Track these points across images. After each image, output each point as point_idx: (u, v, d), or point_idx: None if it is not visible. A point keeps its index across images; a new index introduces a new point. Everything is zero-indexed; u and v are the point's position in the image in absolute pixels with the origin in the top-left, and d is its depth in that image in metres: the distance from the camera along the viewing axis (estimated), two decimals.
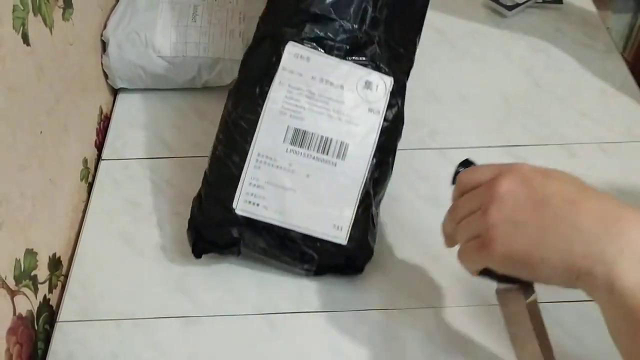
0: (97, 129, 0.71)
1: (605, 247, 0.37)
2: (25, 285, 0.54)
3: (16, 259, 0.52)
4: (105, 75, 0.74)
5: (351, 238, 0.55)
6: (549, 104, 0.74)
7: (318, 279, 0.59)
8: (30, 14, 0.55)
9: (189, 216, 0.63)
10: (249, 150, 0.54)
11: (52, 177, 0.59)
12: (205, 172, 0.58)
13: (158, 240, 0.62)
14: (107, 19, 0.74)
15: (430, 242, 0.61)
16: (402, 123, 0.57)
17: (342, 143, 0.55)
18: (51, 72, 0.59)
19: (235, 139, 0.55)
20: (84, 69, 0.68)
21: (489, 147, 0.69)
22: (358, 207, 0.55)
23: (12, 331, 0.50)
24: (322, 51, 0.55)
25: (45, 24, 0.58)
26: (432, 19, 0.82)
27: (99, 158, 0.70)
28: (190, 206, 0.59)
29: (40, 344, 0.56)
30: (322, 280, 0.59)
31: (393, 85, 0.56)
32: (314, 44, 0.55)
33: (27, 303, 0.54)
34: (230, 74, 0.72)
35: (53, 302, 0.59)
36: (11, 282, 0.51)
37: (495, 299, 0.46)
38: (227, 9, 0.73)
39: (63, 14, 0.62)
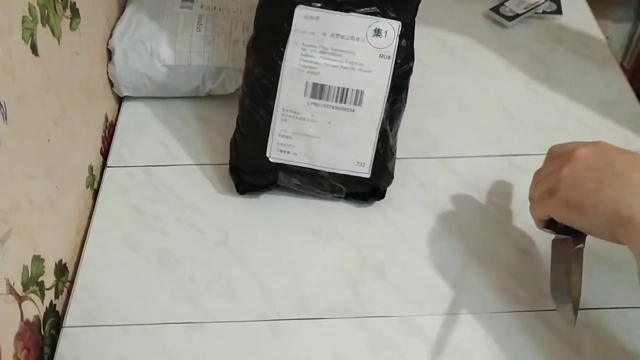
0: (102, 136, 0.72)
1: None
2: (33, 292, 0.55)
3: (24, 265, 0.53)
4: (111, 84, 0.75)
5: (373, 170, 0.62)
6: (548, 113, 0.75)
7: (320, 288, 0.60)
8: (39, 24, 0.56)
9: (192, 223, 0.65)
10: (274, 106, 0.60)
11: (58, 184, 0.60)
12: (237, 120, 0.65)
13: (162, 246, 0.63)
14: (113, 28, 0.75)
15: (431, 249, 0.62)
16: (413, 60, 0.61)
17: (357, 91, 0.60)
18: (59, 81, 0.60)
19: (260, 95, 0.61)
20: (90, 77, 0.69)
21: (489, 156, 0.70)
22: (377, 143, 0.61)
23: (19, 336, 0.51)
24: (330, 9, 0.58)
25: (53, 34, 0.59)
26: (434, 29, 0.85)
27: (104, 165, 0.71)
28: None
29: (47, 349, 0.56)
30: (324, 287, 0.60)
31: (401, 28, 0.59)
32: (321, 5, 0.58)
33: (34, 309, 0.55)
34: (233, 83, 0.73)
35: (59, 308, 0.60)
36: (19, 288, 0.52)
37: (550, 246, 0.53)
38: (231, 18, 0.74)
39: (70, 24, 0.64)
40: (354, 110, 0.60)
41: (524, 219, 0.64)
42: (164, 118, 0.75)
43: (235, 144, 0.65)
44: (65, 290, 0.61)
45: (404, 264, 0.62)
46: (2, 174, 0.49)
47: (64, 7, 0.62)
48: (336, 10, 0.58)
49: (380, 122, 0.61)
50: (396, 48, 0.59)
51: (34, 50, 0.55)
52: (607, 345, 0.56)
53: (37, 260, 0.56)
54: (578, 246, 0.51)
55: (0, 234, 0.49)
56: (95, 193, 0.69)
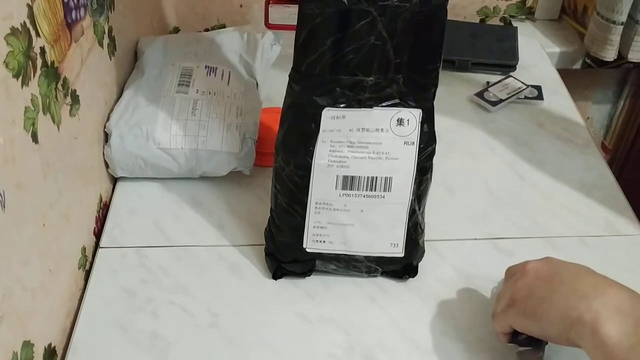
0: (96, 217, 0.73)
1: (592, 301, 0.50)
2: None
3: (13, 352, 0.53)
4: (106, 165, 0.76)
5: (406, 248, 0.65)
6: (532, 196, 0.77)
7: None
8: (40, 113, 0.58)
9: (183, 305, 0.65)
10: (307, 201, 0.63)
11: (51, 267, 0.61)
12: (271, 212, 0.67)
13: (153, 329, 0.63)
14: (111, 111, 0.77)
15: (419, 334, 0.63)
16: (435, 142, 0.63)
17: (386, 178, 0.62)
18: (56, 167, 0.62)
19: (293, 191, 0.63)
20: (86, 160, 0.71)
21: (475, 239, 0.72)
22: (407, 223, 0.64)
23: None
24: (355, 107, 0.61)
25: (53, 122, 0.61)
26: None
27: (96, 246, 0.72)
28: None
29: None
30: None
31: (422, 115, 0.61)
32: (346, 105, 0.61)
33: None
34: (226, 166, 0.75)
35: None
36: None
37: None
38: (225, 103, 0.77)
39: (70, 110, 0.66)
40: (384, 196, 0.62)
41: None
42: (157, 199, 0.76)
43: (271, 236, 0.67)
44: None
45: (392, 348, 0.62)
46: None
47: (65, 95, 0.64)
48: (360, 107, 0.61)
49: (410, 204, 0.63)
50: (419, 134, 0.62)
51: (35, 138, 0.57)
52: None
53: (27, 345, 0.56)
54: (538, 354, 0.56)
55: None
56: (87, 274, 0.69)
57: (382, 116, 0.61)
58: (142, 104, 0.76)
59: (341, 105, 0.61)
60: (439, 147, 0.82)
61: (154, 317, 0.64)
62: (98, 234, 0.73)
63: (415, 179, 0.63)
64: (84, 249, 0.69)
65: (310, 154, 0.62)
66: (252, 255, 0.70)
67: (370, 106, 0.61)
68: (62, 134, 0.63)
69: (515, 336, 0.57)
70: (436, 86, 0.62)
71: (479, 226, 0.74)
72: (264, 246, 0.69)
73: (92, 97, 0.73)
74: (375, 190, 0.62)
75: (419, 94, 0.61)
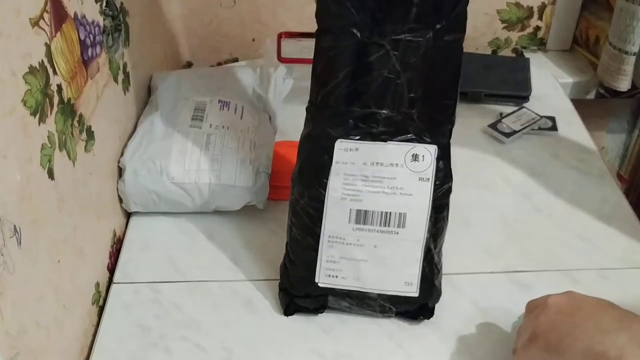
0: (110, 251, 0.73)
1: (617, 336, 0.49)
2: None
3: None
4: (120, 199, 0.77)
5: (421, 288, 0.63)
6: (548, 228, 0.76)
7: None
8: (57, 149, 0.59)
9: (196, 341, 0.64)
10: (320, 233, 0.62)
11: (66, 303, 0.61)
12: (286, 246, 0.66)
13: None
14: (125, 146, 0.78)
15: None
16: (451, 179, 0.62)
17: (400, 214, 0.61)
18: (71, 202, 0.62)
19: (307, 224, 0.63)
20: (101, 195, 0.71)
21: (492, 272, 0.71)
22: (423, 262, 0.63)
23: None
24: (368, 140, 0.61)
25: (69, 158, 0.62)
26: None
27: (110, 281, 0.71)
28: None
29: None
30: None
31: (437, 151, 0.61)
32: (359, 137, 0.61)
33: None
34: (240, 200, 0.75)
35: None
36: None
37: None
38: (239, 137, 0.77)
39: (85, 146, 0.66)
40: (398, 233, 0.61)
41: None
42: (171, 233, 0.76)
43: (285, 271, 0.67)
44: None
45: None
46: (14, 300, 0.50)
47: (80, 131, 0.65)
48: (374, 140, 0.61)
49: (425, 242, 0.62)
50: (434, 170, 0.61)
51: (51, 174, 0.57)
52: None
53: None
54: None
55: (5, 359, 0.49)
56: (101, 310, 0.69)
57: (396, 151, 0.60)
58: (156, 139, 0.77)
59: (355, 138, 0.61)
60: (454, 179, 0.83)
61: (167, 353, 0.64)
62: (112, 269, 0.73)
63: (431, 216, 0.62)
64: (97, 284, 0.69)
65: (323, 185, 0.61)
66: (266, 290, 0.69)
67: (385, 140, 0.60)
68: (77, 170, 0.64)
69: None
70: (452, 123, 0.61)
71: (496, 259, 0.73)
72: (278, 281, 0.68)
73: (107, 132, 0.73)
74: (389, 226, 0.61)
75: (435, 130, 0.61)
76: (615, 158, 1.26)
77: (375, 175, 0.61)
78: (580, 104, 0.98)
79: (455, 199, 0.79)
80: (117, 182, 0.76)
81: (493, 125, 0.89)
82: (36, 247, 0.55)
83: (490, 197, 0.81)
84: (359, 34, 0.58)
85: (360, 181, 0.61)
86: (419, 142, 0.60)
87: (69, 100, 0.61)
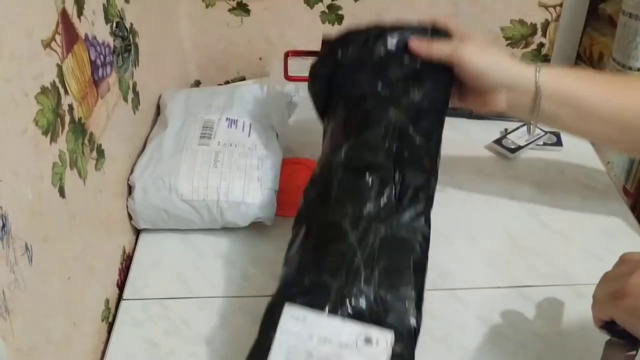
0: (119, 268, 0.74)
1: None
2: None
3: None
4: (130, 217, 0.77)
5: None
6: (554, 243, 0.77)
7: None
8: (68, 168, 0.60)
9: (205, 357, 0.65)
10: None
11: (75, 320, 0.62)
12: None
13: None
14: (134, 164, 0.79)
15: None
16: None
17: None
18: (82, 220, 0.63)
19: None
20: (110, 212, 0.72)
21: (498, 287, 0.71)
22: None
23: None
24: (317, 310, 0.55)
25: (80, 176, 0.63)
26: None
27: (119, 298, 0.72)
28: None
29: None
30: None
31: (393, 338, 0.54)
32: (309, 305, 0.55)
33: None
34: (248, 217, 0.75)
35: None
36: None
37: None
38: (247, 154, 0.78)
39: (96, 164, 0.67)
40: None
41: (538, 352, 0.64)
42: (180, 250, 0.77)
43: None
44: None
45: None
46: (25, 317, 0.51)
47: (91, 150, 0.66)
48: (323, 311, 0.55)
49: None
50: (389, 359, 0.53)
51: (62, 193, 0.58)
52: None
53: None
54: (630, 353, 0.53)
55: None
56: (110, 326, 0.69)
57: (347, 329, 0.53)
58: (165, 157, 0.78)
59: (304, 304, 0.55)
60: (459, 195, 0.83)
61: None
62: (121, 285, 0.74)
63: None
64: (107, 301, 0.70)
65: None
66: None
67: (337, 312, 0.54)
68: (88, 188, 0.65)
69: (611, 325, 0.54)
70: (417, 317, 0.55)
71: (502, 274, 0.73)
72: None
73: (117, 150, 0.74)
74: None
75: (393, 316, 0.54)
76: (622, 172, 1.26)
77: (321, 353, 0.53)
78: None
79: (460, 214, 0.81)
80: (127, 199, 0.77)
81: (498, 141, 0.90)
82: (47, 264, 0.55)
83: (495, 213, 0.81)
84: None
85: (303, 358, 0.53)
86: (373, 325, 0.53)
87: (79, 119, 0.63)
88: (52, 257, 0.57)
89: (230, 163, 0.77)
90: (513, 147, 0.89)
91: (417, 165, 0.62)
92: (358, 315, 0.54)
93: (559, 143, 0.90)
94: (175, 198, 0.75)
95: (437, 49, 0.68)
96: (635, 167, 1.25)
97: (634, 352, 0.53)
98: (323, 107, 0.73)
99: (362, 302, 0.54)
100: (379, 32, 0.69)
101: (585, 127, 0.70)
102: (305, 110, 0.96)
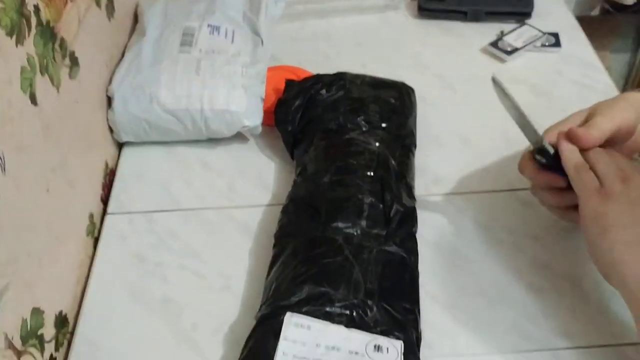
0: (102, 183, 0.72)
1: None
2: (32, 345, 0.53)
3: (23, 318, 0.52)
4: (111, 130, 0.74)
5: None
6: None
7: None
8: (38, 74, 0.56)
9: (194, 269, 0.63)
10: None
11: (58, 234, 0.60)
12: None
13: (164, 294, 0.62)
14: (113, 74, 0.75)
15: (439, 289, 0.61)
16: None
17: None
18: (58, 130, 0.60)
19: None
20: (90, 125, 0.69)
21: (493, 191, 0.69)
22: None
23: None
24: (322, 319, 0.53)
25: (52, 84, 0.59)
26: (433, 65, 0.85)
27: (104, 212, 0.70)
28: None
29: None
30: None
31: (403, 347, 0.52)
32: (312, 314, 0.53)
33: None
34: (233, 126, 0.72)
35: None
36: (18, 343, 0.51)
37: None
38: (230, 62, 0.74)
39: (70, 72, 0.63)
40: None
41: (534, 254, 0.63)
42: (164, 163, 0.74)
43: None
44: (66, 342, 0.60)
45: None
46: (1, 227, 0.49)
47: (63, 57, 0.62)
48: (329, 321, 0.52)
49: None
50: None
51: (33, 99, 0.55)
52: None
53: (37, 312, 0.54)
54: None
55: None
56: (96, 241, 0.68)
57: (355, 338, 0.52)
58: (145, 66, 0.74)
59: (306, 314, 0.52)
60: (454, 98, 0.80)
61: (165, 282, 0.63)
62: (105, 200, 0.71)
63: None
64: (91, 215, 0.68)
65: None
66: (264, 215, 0.68)
67: (342, 322, 0.52)
68: (62, 97, 0.61)
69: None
70: (418, 333, 0.54)
71: (497, 178, 0.71)
72: (275, 206, 0.67)
73: (93, 59, 0.70)
74: None
75: (398, 329, 0.53)
76: (619, 79, 1.23)
77: None
78: (583, 22, 0.94)
79: (455, 118, 0.78)
80: (107, 112, 0.73)
81: (494, 44, 0.86)
82: (22, 175, 0.53)
83: (491, 116, 0.78)
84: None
85: None
86: (382, 334, 0.52)
87: (48, 22, 0.58)
88: (27, 168, 0.54)
89: (213, 71, 0.73)
90: (509, 49, 0.85)
91: (402, 190, 0.63)
92: (364, 327, 0.52)
93: (557, 44, 0.86)
94: (156, 108, 0.71)
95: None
96: (634, 72, 1.22)
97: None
98: (293, 142, 0.71)
99: (367, 314, 0.53)
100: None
101: None
102: (291, 16, 0.92)
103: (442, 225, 0.66)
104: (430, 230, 0.66)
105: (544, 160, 0.57)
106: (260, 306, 0.56)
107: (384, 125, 0.68)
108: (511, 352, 0.56)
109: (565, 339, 0.56)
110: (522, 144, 0.74)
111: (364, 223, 0.58)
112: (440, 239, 0.65)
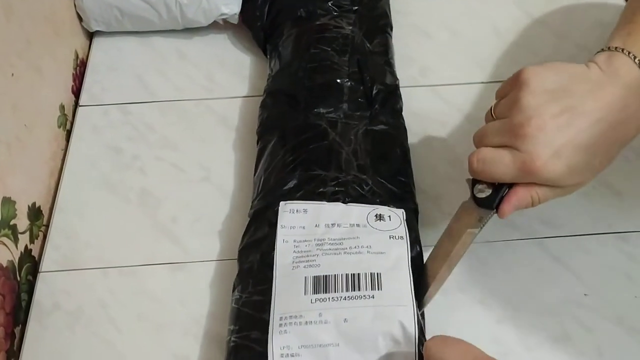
0: (73, 74, 0.68)
1: None
2: (5, 235, 0.52)
3: None
4: (80, 18, 0.70)
5: None
6: (543, 36, 0.71)
7: None
8: None
9: (172, 161, 0.61)
10: (269, 318, 0.45)
11: (27, 122, 0.57)
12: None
13: (141, 186, 0.60)
14: None
15: (427, 182, 0.59)
16: (420, 245, 0.51)
17: (372, 274, 0.46)
18: (21, 12, 0.56)
19: (251, 316, 0.46)
20: (57, 11, 0.65)
21: (481, 82, 0.67)
22: (416, 334, 0.45)
23: None
24: (317, 200, 0.51)
25: None
26: None
27: (76, 104, 0.67)
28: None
29: (24, 295, 0.54)
30: None
31: (405, 214, 0.50)
32: (306, 198, 0.51)
33: (7, 253, 0.52)
34: (210, 14, 0.68)
35: (35, 253, 0.57)
36: None
37: None
38: None
39: None
40: (373, 296, 0.45)
41: None
42: (139, 53, 0.71)
43: None
44: (41, 234, 0.58)
45: None
46: None
47: None
48: (324, 200, 0.51)
49: (414, 307, 0.45)
50: (407, 230, 0.49)
51: None
52: (609, 271, 0.54)
53: (8, 202, 0.53)
54: (471, 230, 0.47)
55: None
56: (69, 133, 0.65)
57: (355, 211, 0.50)
58: None
59: (300, 199, 0.51)
60: None
61: (142, 173, 0.61)
62: (77, 92, 0.68)
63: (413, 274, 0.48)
64: (62, 106, 0.65)
65: (271, 262, 0.48)
66: (243, 106, 0.65)
67: (338, 200, 0.51)
68: None
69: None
70: (415, 204, 0.53)
71: (486, 70, 0.68)
72: (255, 97, 0.64)
73: None
74: (359, 290, 0.45)
75: (397, 200, 0.52)
76: None
77: (333, 237, 0.48)
78: None
79: (441, 8, 0.74)
80: None
81: None
82: None
83: (480, 6, 0.74)
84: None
85: (315, 246, 0.48)
86: (381, 204, 0.50)
87: None
88: None
89: None
90: None
91: (382, 70, 0.61)
92: (362, 200, 0.51)
93: None
94: None
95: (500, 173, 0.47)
96: None
97: (476, 231, 0.47)
98: (264, 37, 0.68)
99: (363, 188, 0.52)
100: None
101: None
102: None
103: (429, 117, 0.64)
104: (416, 122, 0.63)
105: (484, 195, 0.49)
106: (252, 202, 0.54)
107: (355, 8, 0.65)
108: (495, 240, 0.55)
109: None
110: (513, 35, 0.72)
111: (345, 106, 0.57)
112: (426, 131, 0.63)
